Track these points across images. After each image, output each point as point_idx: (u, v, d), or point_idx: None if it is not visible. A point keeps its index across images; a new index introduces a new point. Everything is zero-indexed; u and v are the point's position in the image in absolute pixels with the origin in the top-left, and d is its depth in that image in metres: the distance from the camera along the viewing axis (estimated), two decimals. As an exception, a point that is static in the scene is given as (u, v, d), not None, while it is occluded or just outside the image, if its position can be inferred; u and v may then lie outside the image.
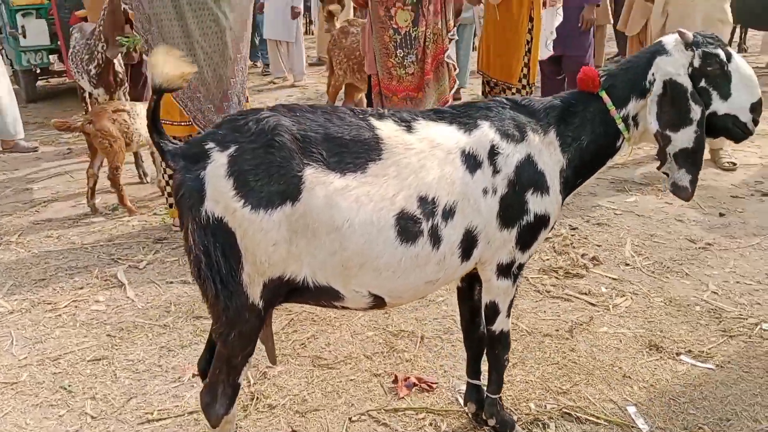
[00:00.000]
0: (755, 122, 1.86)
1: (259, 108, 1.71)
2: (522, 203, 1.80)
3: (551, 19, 4.56)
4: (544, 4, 4.31)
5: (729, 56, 1.82)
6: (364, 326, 2.85)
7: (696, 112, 1.80)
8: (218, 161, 1.57)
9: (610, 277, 3.22)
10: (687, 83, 1.80)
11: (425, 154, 1.71)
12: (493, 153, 1.77)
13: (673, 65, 1.82)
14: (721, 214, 3.94)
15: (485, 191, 1.76)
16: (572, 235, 3.72)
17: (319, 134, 1.63)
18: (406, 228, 1.67)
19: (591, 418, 2.22)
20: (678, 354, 2.57)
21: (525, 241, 1.85)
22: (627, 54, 5.90)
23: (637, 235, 3.72)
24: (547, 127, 1.85)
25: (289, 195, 1.57)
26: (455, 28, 4.00)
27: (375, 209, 1.64)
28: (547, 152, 1.83)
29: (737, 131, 1.87)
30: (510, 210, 1.79)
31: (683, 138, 1.82)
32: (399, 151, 1.69)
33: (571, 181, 1.91)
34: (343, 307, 1.80)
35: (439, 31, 3.84)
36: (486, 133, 1.79)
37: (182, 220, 1.66)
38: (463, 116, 1.82)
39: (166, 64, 1.58)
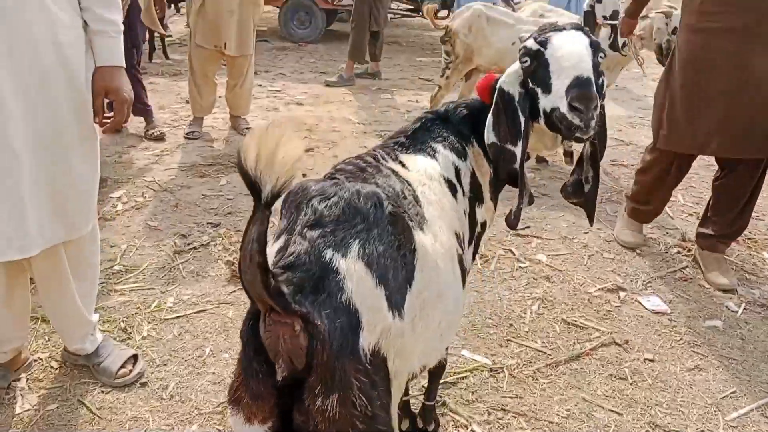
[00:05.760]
0: (575, 109, 1.44)
1: (304, 182, 1.28)
2: (475, 217, 1.72)
3: None
4: None
5: (545, 42, 1.52)
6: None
7: (522, 122, 1.57)
8: (353, 271, 1.12)
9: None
10: (513, 90, 1.59)
11: (430, 188, 1.51)
12: (458, 174, 1.64)
13: (508, 72, 1.62)
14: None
15: (464, 212, 1.65)
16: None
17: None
18: (460, 269, 1.53)
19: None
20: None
21: (476, 251, 1.83)
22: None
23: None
24: (471, 138, 1.71)
25: (409, 275, 1.25)
26: None
27: (451, 258, 1.44)
28: (480, 163, 1.72)
29: (562, 127, 1.50)
30: (473, 227, 1.74)
31: (519, 153, 1.57)
32: (421, 190, 1.48)
33: (497, 187, 1.79)
34: None
35: None
36: (446, 155, 1.63)
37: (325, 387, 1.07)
38: (419, 143, 1.66)
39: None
